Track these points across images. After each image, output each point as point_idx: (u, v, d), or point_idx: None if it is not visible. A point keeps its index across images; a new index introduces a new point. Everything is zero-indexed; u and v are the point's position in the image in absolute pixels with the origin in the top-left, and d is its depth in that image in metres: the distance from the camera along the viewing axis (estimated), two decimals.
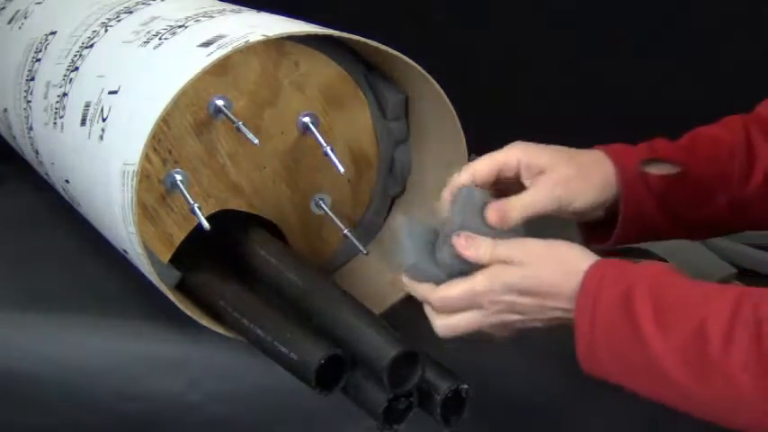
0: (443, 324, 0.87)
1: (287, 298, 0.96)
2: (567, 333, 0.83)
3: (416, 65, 0.97)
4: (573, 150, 0.94)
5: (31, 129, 1.12)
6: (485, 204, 0.89)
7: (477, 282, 0.85)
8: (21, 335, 1.00)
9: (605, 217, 0.95)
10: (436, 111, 1.00)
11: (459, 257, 0.86)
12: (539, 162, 0.91)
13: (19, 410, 1.00)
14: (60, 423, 1.00)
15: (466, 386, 0.89)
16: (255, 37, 0.92)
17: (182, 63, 0.93)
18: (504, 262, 0.85)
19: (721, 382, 0.75)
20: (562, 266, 0.83)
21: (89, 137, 0.98)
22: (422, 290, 0.87)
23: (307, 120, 1.01)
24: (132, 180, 0.90)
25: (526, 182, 0.92)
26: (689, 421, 0.80)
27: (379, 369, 0.85)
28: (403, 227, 0.90)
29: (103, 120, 0.96)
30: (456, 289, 0.85)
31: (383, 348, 0.86)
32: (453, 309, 0.86)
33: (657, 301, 0.78)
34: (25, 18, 1.21)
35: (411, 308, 0.91)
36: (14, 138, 1.22)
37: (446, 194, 0.91)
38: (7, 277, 1.08)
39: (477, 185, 0.90)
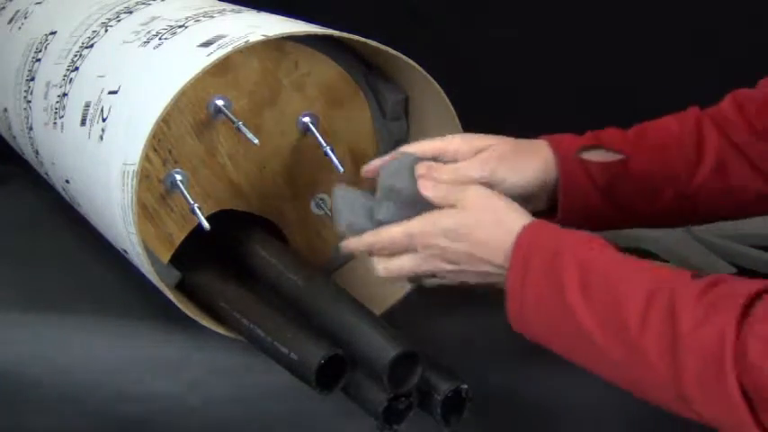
0: (383, 267, 0.89)
1: (287, 298, 0.96)
2: None
3: (417, 65, 0.97)
4: (516, 139, 0.96)
5: (31, 129, 1.12)
6: (413, 166, 0.90)
7: (412, 224, 0.87)
8: (20, 335, 1.00)
9: (552, 208, 0.96)
10: (436, 111, 1.00)
11: (395, 216, 0.88)
12: (477, 145, 0.93)
13: (18, 411, 1.00)
14: (60, 423, 1.00)
15: (466, 386, 0.89)
16: (255, 37, 0.92)
17: (182, 63, 0.93)
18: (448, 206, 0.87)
19: (639, 361, 0.75)
20: (498, 219, 0.85)
21: (89, 137, 0.98)
22: (363, 238, 0.89)
23: (307, 120, 1.01)
24: (132, 180, 0.90)
25: None
26: (682, 423, 0.80)
27: (380, 369, 0.85)
28: (338, 195, 0.92)
29: (103, 120, 0.96)
30: (393, 229, 0.87)
31: (383, 348, 0.86)
32: (391, 250, 0.88)
33: (583, 272, 0.79)
34: (25, 18, 1.21)
35: (411, 308, 0.91)
36: (14, 138, 1.22)
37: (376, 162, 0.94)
38: (7, 277, 1.08)
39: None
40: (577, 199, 0.94)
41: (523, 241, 0.82)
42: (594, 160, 0.95)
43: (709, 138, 0.96)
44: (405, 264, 0.88)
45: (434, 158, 0.92)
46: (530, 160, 0.94)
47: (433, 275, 0.89)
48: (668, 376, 0.74)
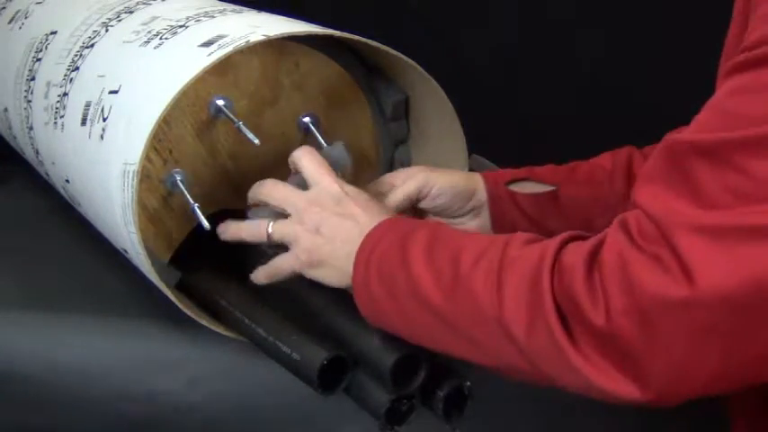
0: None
1: (288, 298, 0.96)
2: None
3: (417, 65, 0.97)
4: None
5: (31, 128, 1.12)
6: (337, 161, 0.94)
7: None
8: (20, 335, 1.00)
9: None
10: (436, 111, 1.00)
11: None
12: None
13: (18, 411, 1.00)
14: (59, 423, 1.00)
15: (468, 383, 0.89)
16: (256, 37, 0.92)
17: (182, 63, 0.93)
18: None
19: (464, 295, 0.76)
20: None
21: (89, 137, 0.98)
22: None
23: (307, 120, 1.01)
24: (133, 180, 0.90)
25: None
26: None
27: (383, 371, 0.85)
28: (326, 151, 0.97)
29: (104, 119, 0.96)
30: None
31: (386, 350, 0.86)
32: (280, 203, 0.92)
33: (431, 237, 0.81)
34: (26, 18, 1.21)
35: None
36: (15, 137, 1.22)
37: None
38: (7, 277, 1.08)
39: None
40: (508, 228, 0.98)
41: (380, 228, 0.85)
42: (523, 192, 0.99)
43: (638, 170, 0.99)
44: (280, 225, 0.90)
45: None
46: (457, 173, 1.00)
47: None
48: (491, 302, 0.74)
